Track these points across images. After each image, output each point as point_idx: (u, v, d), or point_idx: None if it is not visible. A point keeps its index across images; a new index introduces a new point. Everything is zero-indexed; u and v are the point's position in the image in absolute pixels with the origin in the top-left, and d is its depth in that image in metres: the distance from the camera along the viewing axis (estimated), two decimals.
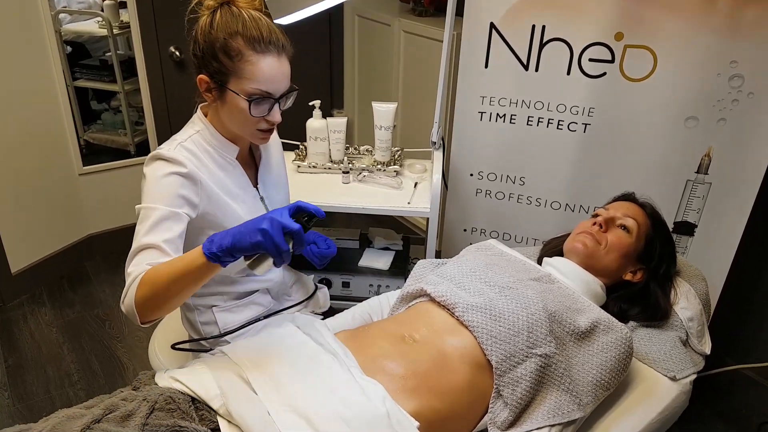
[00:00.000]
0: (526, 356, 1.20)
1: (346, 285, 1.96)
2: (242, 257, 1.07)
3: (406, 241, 2.10)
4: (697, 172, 1.85)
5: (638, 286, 1.47)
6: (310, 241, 1.54)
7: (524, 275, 1.38)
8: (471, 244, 1.59)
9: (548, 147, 1.94)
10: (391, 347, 1.21)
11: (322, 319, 1.55)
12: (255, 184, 1.44)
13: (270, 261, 1.06)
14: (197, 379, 1.08)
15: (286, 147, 1.70)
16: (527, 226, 2.09)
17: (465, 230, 2.18)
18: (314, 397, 1.06)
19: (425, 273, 1.48)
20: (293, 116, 2.06)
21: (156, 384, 1.11)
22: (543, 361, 1.20)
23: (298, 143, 2.04)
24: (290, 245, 1.03)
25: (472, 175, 2.06)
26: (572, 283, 1.41)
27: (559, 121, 1.90)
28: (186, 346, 1.39)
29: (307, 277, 1.71)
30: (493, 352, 1.20)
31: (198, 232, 1.31)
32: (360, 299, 1.56)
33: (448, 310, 1.29)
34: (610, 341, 1.27)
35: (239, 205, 1.36)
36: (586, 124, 1.87)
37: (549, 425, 1.18)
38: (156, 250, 1.17)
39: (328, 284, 1.95)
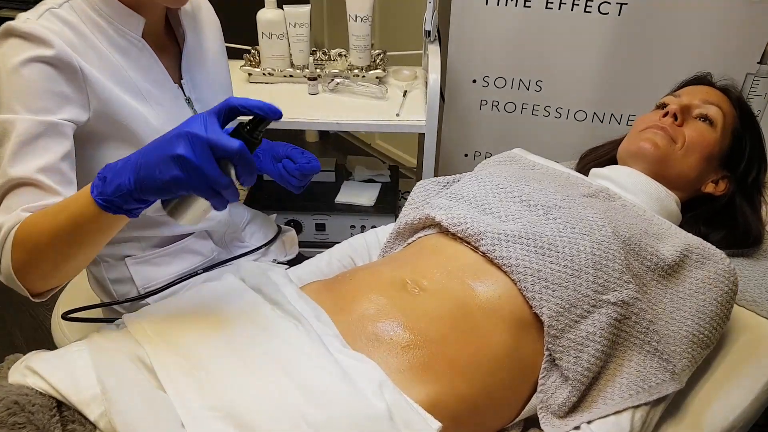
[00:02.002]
0: (594, 306, 0.80)
1: (320, 228, 1.53)
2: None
3: (394, 172, 1.67)
4: (761, 62, 1.44)
5: (722, 201, 1.06)
6: (282, 156, 1.07)
7: (573, 191, 0.96)
8: None
9: (573, 37, 1.50)
10: (387, 301, 0.79)
11: (286, 268, 1.12)
12: (178, 79, 0.99)
13: (203, 203, 0.68)
14: (67, 370, 0.65)
15: (231, 54, 1.25)
16: (545, 145, 1.66)
17: (466, 155, 1.75)
18: (262, 391, 0.64)
19: (429, 196, 1.06)
20: (238, 12, 1.60)
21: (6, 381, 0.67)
22: (619, 312, 0.79)
23: (249, 47, 1.57)
24: (232, 174, 0.64)
25: (475, 81, 1.62)
26: (638, 199, 1.00)
27: (586, 1, 1.45)
28: (89, 313, 0.95)
29: (267, 216, 1.27)
30: (544, 302, 0.79)
31: (98, 147, 0.87)
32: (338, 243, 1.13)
33: (470, 243, 0.87)
34: (707, 277, 0.86)
35: (152, 110, 0.91)
36: (621, 4, 1.43)
37: (632, 407, 0.78)
38: (31, 187, 0.75)
39: (297, 228, 1.51)
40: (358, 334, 0.75)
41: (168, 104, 0.94)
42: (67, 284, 1.31)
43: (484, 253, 0.85)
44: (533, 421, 0.82)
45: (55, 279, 0.75)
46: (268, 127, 0.66)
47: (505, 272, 0.82)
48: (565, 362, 0.78)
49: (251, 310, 0.75)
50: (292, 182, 1.02)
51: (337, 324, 0.77)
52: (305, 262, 1.05)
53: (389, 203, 1.54)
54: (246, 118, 0.66)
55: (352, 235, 1.54)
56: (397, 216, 1.57)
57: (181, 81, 0.98)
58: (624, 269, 0.82)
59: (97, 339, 0.73)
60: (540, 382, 0.80)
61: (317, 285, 0.88)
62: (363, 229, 1.51)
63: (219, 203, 0.64)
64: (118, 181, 0.65)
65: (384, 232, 1.08)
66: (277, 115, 0.65)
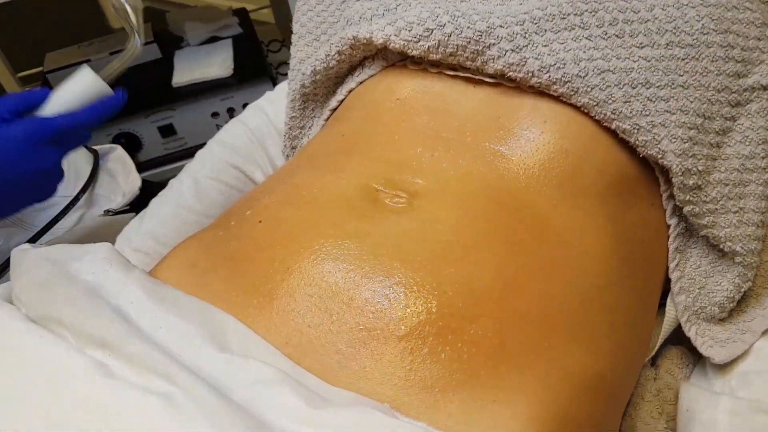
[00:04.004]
0: (737, 104, 0.41)
1: (167, 132, 1.01)
2: None
3: (244, 18, 1.14)
4: None
5: None
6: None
7: None
8: None
9: None
10: (358, 244, 0.35)
11: (131, 216, 0.64)
12: None
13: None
14: None
15: None
16: None
17: None
18: None
19: (335, 4, 0.57)
20: None
21: None
22: None
23: None
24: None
25: None
26: None
27: None
28: None
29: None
30: (659, 128, 0.39)
31: None
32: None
33: (464, 68, 0.43)
34: None
35: None
36: None
37: None
38: None
39: (133, 144, 0.99)
40: (327, 342, 0.32)
41: None
42: None
43: (499, 76, 0.41)
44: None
45: None
46: None
47: (558, 98, 0.40)
48: (722, 227, 0.40)
49: (33, 389, 0.29)
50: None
51: (270, 334, 0.33)
52: (156, 202, 0.57)
53: (255, 63, 1.04)
54: None
55: (218, 127, 1.04)
56: (275, 78, 1.08)
57: None
58: (765, 18, 0.42)
59: None
60: (674, 276, 0.42)
61: (192, 250, 0.41)
62: (232, 113, 1.01)
63: None
64: None
65: (274, 102, 0.60)
66: None
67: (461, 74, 0.42)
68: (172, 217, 0.54)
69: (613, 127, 0.39)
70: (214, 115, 1.02)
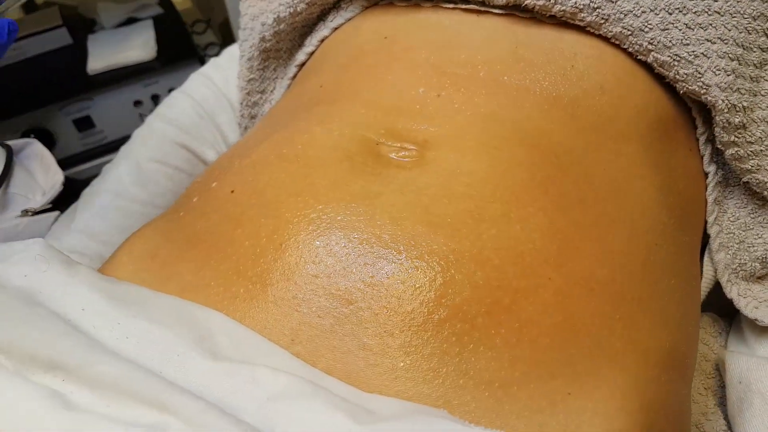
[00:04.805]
0: None
1: (84, 125, 0.89)
2: None
3: None
4: None
5: None
6: None
7: None
8: None
9: None
10: (367, 208, 0.28)
11: (56, 216, 0.54)
12: None
13: None
14: None
15: None
16: None
17: None
18: None
19: None
20: None
21: None
22: None
23: None
24: None
25: None
26: None
27: None
28: None
29: None
30: (702, 59, 0.33)
31: None
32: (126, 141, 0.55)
33: (462, 1, 0.36)
34: None
35: None
36: None
37: None
38: None
39: (45, 140, 0.87)
40: (347, 335, 0.25)
41: None
42: None
43: (511, 7, 0.35)
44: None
45: None
46: None
47: (584, 29, 0.34)
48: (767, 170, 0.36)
49: None
50: None
51: (269, 331, 0.26)
52: (89, 193, 0.47)
53: (180, 43, 0.94)
54: None
55: (143, 117, 0.93)
56: (203, 60, 0.97)
57: None
58: None
59: None
60: (712, 231, 0.37)
61: (149, 239, 0.32)
62: (157, 100, 0.91)
63: None
64: None
65: (222, 69, 0.51)
66: None
67: (462, 6, 0.36)
68: (111, 208, 0.44)
69: (649, 59, 0.33)
70: (137, 103, 0.91)
